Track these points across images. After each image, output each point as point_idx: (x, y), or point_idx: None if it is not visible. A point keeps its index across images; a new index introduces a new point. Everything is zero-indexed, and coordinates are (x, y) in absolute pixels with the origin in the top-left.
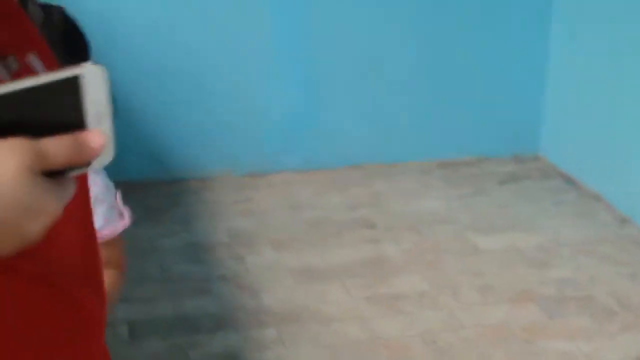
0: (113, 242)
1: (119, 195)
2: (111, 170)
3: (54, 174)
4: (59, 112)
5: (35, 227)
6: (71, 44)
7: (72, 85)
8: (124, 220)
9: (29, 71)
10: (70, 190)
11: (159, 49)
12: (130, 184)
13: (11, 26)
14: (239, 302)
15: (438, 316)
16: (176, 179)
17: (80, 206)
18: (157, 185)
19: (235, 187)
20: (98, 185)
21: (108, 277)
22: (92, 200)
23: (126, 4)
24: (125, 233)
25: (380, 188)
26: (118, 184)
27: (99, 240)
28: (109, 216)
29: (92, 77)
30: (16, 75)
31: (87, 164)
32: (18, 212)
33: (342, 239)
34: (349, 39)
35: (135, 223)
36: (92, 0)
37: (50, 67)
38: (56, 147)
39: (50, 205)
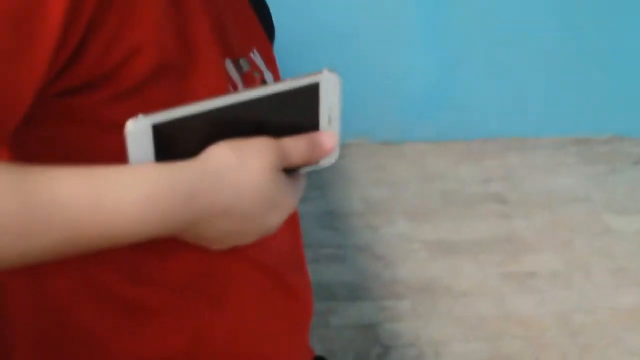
0: None
1: None
2: None
3: (289, 171)
4: (297, 114)
5: (276, 219)
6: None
7: (311, 91)
8: None
9: (255, 68)
10: (302, 185)
11: (295, 21)
12: None
13: (242, 24)
14: (373, 272)
15: (571, 296)
16: None
17: None
18: None
19: (370, 155)
20: None
21: None
22: None
23: None
24: None
25: (513, 162)
26: None
27: None
28: None
29: (328, 84)
30: (246, 76)
31: (317, 161)
32: (264, 206)
33: (475, 213)
34: (487, 10)
35: None
36: None
37: (267, 58)
38: (296, 146)
39: (290, 199)
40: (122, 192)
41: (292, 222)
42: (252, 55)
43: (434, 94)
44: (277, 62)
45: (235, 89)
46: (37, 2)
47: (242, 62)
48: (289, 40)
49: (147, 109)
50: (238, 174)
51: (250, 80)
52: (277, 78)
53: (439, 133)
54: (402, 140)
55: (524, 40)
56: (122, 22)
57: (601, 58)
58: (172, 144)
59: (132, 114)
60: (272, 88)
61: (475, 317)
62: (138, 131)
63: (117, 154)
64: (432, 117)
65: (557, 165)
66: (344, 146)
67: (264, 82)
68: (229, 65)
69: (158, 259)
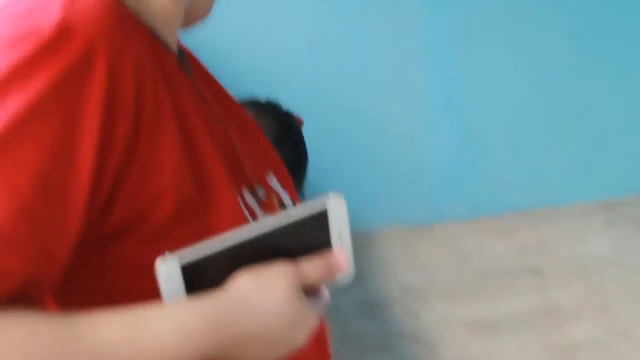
0: None
1: None
2: None
3: (308, 289)
4: (310, 237)
5: (301, 336)
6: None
7: (322, 216)
8: None
9: (271, 192)
10: (322, 301)
11: (318, 107)
12: None
13: (255, 150)
14: (419, 358)
15: None
16: None
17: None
18: None
19: (403, 240)
20: None
21: None
22: None
23: (287, 66)
24: None
25: (545, 232)
26: None
27: None
28: None
29: (335, 206)
30: (265, 204)
31: (333, 279)
32: (288, 326)
33: (511, 288)
34: (504, 84)
35: None
36: (254, 63)
37: (282, 178)
38: (312, 267)
39: (311, 316)
40: (159, 330)
41: (319, 336)
42: (267, 178)
43: (459, 172)
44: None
45: (254, 218)
46: (68, 162)
47: (258, 189)
48: (314, 130)
49: (176, 249)
50: (261, 300)
51: (269, 207)
52: (292, 196)
53: (468, 210)
54: (432, 222)
55: (542, 111)
56: (145, 173)
57: (620, 121)
58: (199, 276)
59: (161, 254)
60: (285, 219)
61: None
62: (168, 271)
63: (152, 292)
64: (459, 195)
65: (588, 232)
66: (375, 234)
67: (282, 206)
68: (247, 194)
69: None
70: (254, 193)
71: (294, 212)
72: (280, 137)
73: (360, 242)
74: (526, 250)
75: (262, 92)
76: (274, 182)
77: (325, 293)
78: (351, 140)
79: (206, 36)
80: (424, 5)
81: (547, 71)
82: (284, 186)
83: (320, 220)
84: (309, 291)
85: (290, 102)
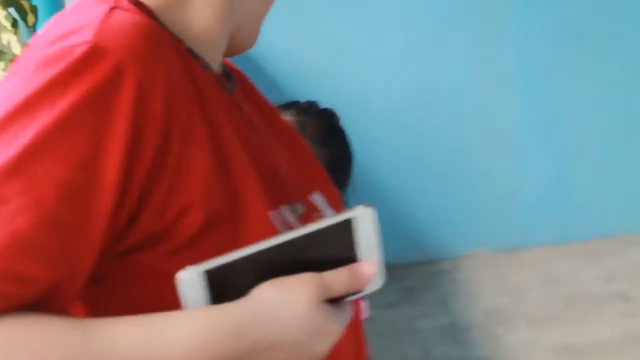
0: None
1: None
2: None
3: (334, 300)
4: (336, 248)
5: (323, 347)
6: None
7: (347, 226)
8: None
9: (314, 209)
10: (348, 313)
11: (410, 132)
12: (388, 267)
13: (302, 170)
14: None
15: None
16: (431, 259)
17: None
18: (413, 267)
19: (489, 264)
20: None
21: None
22: None
23: (376, 92)
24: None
25: (635, 258)
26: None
27: None
28: None
29: (363, 218)
30: (303, 217)
31: (361, 290)
32: (311, 336)
33: (599, 315)
34: (596, 107)
35: (395, 304)
36: (341, 93)
37: (331, 199)
38: (337, 279)
39: (335, 328)
40: (175, 334)
41: (357, 349)
42: (312, 197)
43: (549, 197)
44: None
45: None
46: (93, 175)
47: (297, 206)
48: (405, 157)
49: (201, 260)
50: (283, 309)
51: (309, 220)
52: None
53: (557, 235)
54: (522, 246)
55: (634, 137)
56: (173, 187)
57: None
58: (223, 288)
59: (189, 265)
60: (310, 228)
61: None
62: (188, 280)
63: (176, 303)
64: (548, 220)
65: None
66: (462, 258)
67: None
68: (287, 212)
69: None
70: (294, 211)
71: (319, 223)
72: (326, 137)
73: (447, 265)
74: (615, 276)
75: (351, 117)
76: (319, 201)
77: (352, 305)
78: (440, 164)
79: (301, 58)
80: (517, 28)
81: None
82: (332, 206)
83: (346, 231)
84: (336, 302)
85: (379, 125)
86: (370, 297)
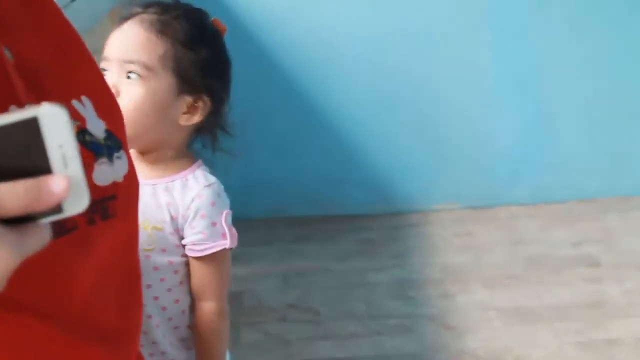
0: (205, 259)
1: (226, 216)
2: (332, 203)
3: (19, 221)
4: (16, 156)
5: None
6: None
7: (29, 128)
8: (223, 241)
9: (77, 118)
10: (39, 237)
11: (379, 79)
12: (350, 217)
13: (74, 72)
14: (441, 343)
15: None
16: (397, 211)
17: (118, 246)
18: (376, 218)
19: (457, 221)
20: (202, 199)
21: (200, 309)
22: (192, 213)
23: (341, 37)
24: (223, 255)
25: (611, 223)
26: (338, 217)
27: (191, 255)
28: (208, 233)
29: (50, 119)
30: None
31: (58, 209)
32: None
33: (561, 278)
34: (578, 65)
35: (347, 257)
36: (314, 35)
37: (103, 108)
38: (9, 192)
39: (2, 252)
40: None
41: (124, 275)
42: (75, 103)
43: (525, 155)
44: None
45: None
46: None
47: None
48: (374, 102)
49: None
50: None
51: None
52: (113, 127)
53: (532, 195)
54: (493, 204)
55: (621, 93)
56: None
57: None
58: None
59: None
60: None
61: None
62: None
63: None
64: (524, 179)
65: None
66: (430, 212)
67: (84, 133)
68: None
69: None
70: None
71: None
72: (192, 38)
73: (413, 219)
74: (587, 240)
75: (317, 59)
76: (83, 108)
77: (42, 228)
78: (409, 113)
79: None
80: None
81: (629, 50)
82: (101, 115)
83: (31, 134)
84: (22, 222)
85: (346, 71)
86: (324, 247)
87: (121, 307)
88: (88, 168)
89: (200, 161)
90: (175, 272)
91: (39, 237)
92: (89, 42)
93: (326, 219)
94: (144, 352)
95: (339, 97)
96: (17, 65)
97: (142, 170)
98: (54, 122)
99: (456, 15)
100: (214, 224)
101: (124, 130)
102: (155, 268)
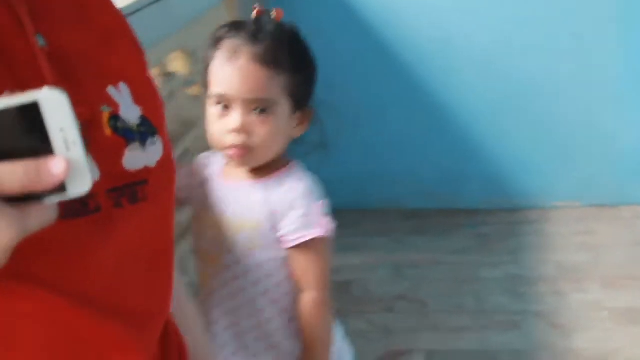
0: (302, 248)
1: (320, 206)
2: (449, 196)
3: (23, 200)
4: (18, 138)
5: None
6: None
7: (30, 112)
8: (318, 230)
9: (105, 102)
10: (41, 216)
11: (499, 74)
12: (467, 211)
13: (108, 57)
14: (548, 341)
15: None
16: (515, 207)
17: (147, 229)
18: (494, 214)
19: (578, 219)
20: (296, 192)
21: (302, 300)
22: (287, 206)
23: (459, 32)
24: (319, 244)
25: None
26: (455, 211)
27: (288, 245)
28: (302, 222)
29: (52, 103)
30: None
31: (62, 190)
32: None
33: None
34: None
35: (461, 251)
36: (435, 28)
37: (141, 95)
38: (9, 172)
39: (2, 227)
40: None
41: (154, 253)
42: (110, 89)
43: None
44: None
45: None
46: None
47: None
48: (490, 99)
49: None
50: None
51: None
52: (150, 114)
53: None
54: (618, 203)
55: None
56: None
57: None
58: None
59: None
60: None
61: None
62: None
63: None
64: None
65: None
66: (551, 210)
67: (116, 119)
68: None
69: None
70: None
71: None
72: (300, 60)
73: (532, 215)
74: None
75: (434, 56)
76: (119, 94)
77: (46, 208)
78: (533, 108)
79: None
80: None
81: None
82: (138, 102)
83: (30, 119)
84: (25, 201)
85: (467, 66)
86: (439, 240)
87: (147, 288)
88: (118, 153)
89: (293, 161)
90: (281, 266)
91: (42, 215)
92: (196, 31)
93: (443, 213)
94: (259, 345)
95: (459, 91)
96: (50, 52)
97: (240, 172)
98: (55, 106)
99: (580, 8)
100: (308, 214)
101: (161, 116)
102: (260, 264)
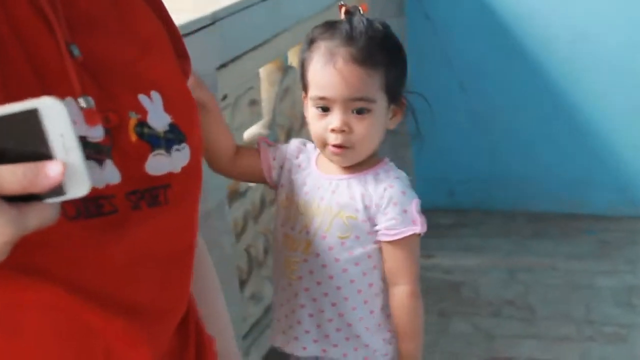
0: (398, 243)
1: (416, 204)
2: (573, 201)
3: (24, 200)
4: (20, 143)
5: None
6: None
7: (30, 119)
8: (414, 227)
9: (133, 108)
10: (40, 215)
11: (631, 80)
12: (590, 217)
13: (136, 63)
14: None
15: None
16: None
17: (167, 231)
18: (618, 220)
19: None
20: (394, 189)
21: (395, 293)
22: (385, 201)
23: (598, 36)
24: (413, 240)
25: None
26: (578, 216)
27: (384, 239)
28: (400, 219)
29: (50, 111)
30: (89, 113)
31: (61, 192)
32: None
33: None
34: None
35: (579, 257)
36: (569, 34)
37: (172, 104)
38: (9, 173)
39: (2, 224)
40: None
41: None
42: (141, 97)
43: None
44: None
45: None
46: None
47: (86, 99)
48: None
49: None
50: None
51: (93, 119)
52: (180, 122)
53: None
54: None
55: None
56: None
57: None
58: None
59: None
60: None
61: None
62: None
63: None
64: None
65: None
66: None
67: (142, 126)
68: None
69: None
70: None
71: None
72: (393, 57)
73: None
74: None
75: (567, 58)
76: (149, 102)
77: (47, 208)
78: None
79: None
80: None
81: None
82: (169, 110)
83: (33, 123)
84: (25, 201)
85: (599, 72)
86: (558, 244)
87: (162, 285)
88: (142, 158)
89: (387, 158)
90: (369, 257)
91: (41, 215)
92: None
93: (566, 217)
94: (339, 335)
95: (589, 97)
96: (85, 61)
97: (337, 168)
98: (54, 114)
99: None
100: (405, 211)
101: (192, 124)
102: (350, 253)
